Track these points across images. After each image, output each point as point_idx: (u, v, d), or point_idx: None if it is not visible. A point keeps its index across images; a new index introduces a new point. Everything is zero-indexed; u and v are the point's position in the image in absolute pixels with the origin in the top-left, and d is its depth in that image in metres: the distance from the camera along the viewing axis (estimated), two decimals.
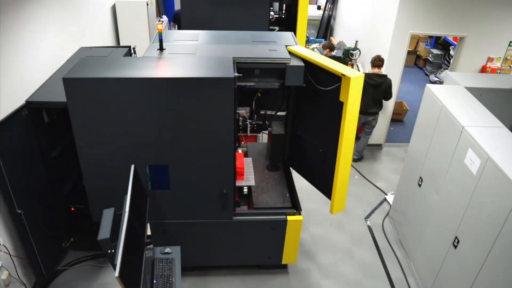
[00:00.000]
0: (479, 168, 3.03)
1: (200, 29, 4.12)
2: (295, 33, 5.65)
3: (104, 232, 2.41)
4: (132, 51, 6.39)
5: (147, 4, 6.40)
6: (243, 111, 3.68)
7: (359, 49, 6.63)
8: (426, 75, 8.97)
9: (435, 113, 3.76)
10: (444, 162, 3.51)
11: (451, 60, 5.82)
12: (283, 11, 6.46)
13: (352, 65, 6.78)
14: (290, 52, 3.39)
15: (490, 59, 5.65)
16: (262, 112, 3.76)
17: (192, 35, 3.78)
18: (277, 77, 3.31)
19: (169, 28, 8.16)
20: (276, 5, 6.20)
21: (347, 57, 6.83)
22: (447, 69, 7.33)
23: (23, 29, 3.63)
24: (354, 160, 5.91)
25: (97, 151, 3.06)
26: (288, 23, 6.25)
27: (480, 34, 5.46)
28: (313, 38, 8.79)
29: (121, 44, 6.56)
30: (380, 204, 5.16)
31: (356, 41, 6.70)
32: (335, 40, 8.48)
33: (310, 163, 3.73)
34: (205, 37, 3.78)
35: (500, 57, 5.66)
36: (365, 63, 6.54)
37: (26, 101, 3.40)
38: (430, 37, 9.05)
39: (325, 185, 3.56)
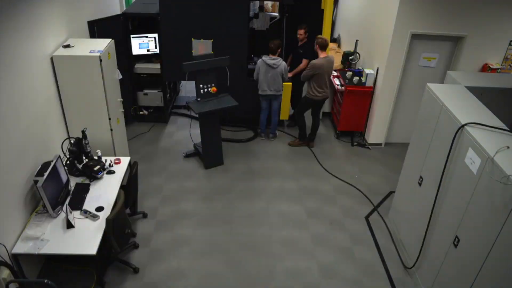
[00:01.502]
0: (479, 168, 3.02)
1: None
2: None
3: None
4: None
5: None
6: None
7: (358, 53, 6.59)
8: None
9: (436, 112, 3.76)
10: (444, 161, 3.51)
11: (452, 60, 5.80)
12: (285, 12, 6.42)
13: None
14: None
15: (489, 64, 5.65)
16: None
17: None
18: None
19: None
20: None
21: (346, 61, 6.76)
22: None
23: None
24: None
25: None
26: (291, 24, 6.18)
27: (480, 34, 5.45)
28: None
29: None
30: (380, 203, 5.15)
31: (356, 41, 6.68)
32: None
33: None
34: None
35: (498, 63, 5.66)
36: (365, 63, 6.54)
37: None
38: None
39: None
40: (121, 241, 3.69)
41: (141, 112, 6.66)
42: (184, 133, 6.34)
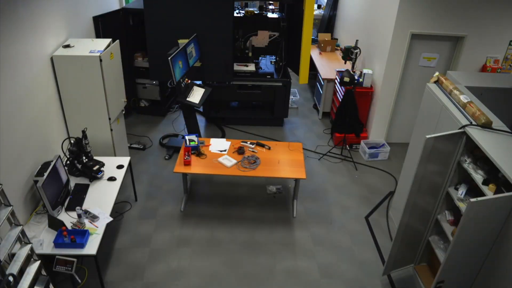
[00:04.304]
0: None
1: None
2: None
3: None
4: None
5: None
6: None
7: (359, 48, 6.61)
8: None
9: (436, 112, 3.76)
10: None
11: (452, 60, 5.80)
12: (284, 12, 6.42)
13: (353, 64, 6.75)
14: None
15: (488, 61, 5.66)
16: None
17: None
18: None
19: None
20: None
21: (347, 55, 6.78)
22: None
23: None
24: None
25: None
26: (291, 23, 6.20)
27: (480, 34, 5.46)
28: (313, 37, 8.77)
29: None
30: (380, 203, 5.15)
31: (357, 40, 6.67)
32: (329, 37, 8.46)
33: None
34: None
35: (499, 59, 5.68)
36: (365, 62, 6.54)
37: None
38: None
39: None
40: None
41: (141, 105, 6.85)
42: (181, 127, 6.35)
